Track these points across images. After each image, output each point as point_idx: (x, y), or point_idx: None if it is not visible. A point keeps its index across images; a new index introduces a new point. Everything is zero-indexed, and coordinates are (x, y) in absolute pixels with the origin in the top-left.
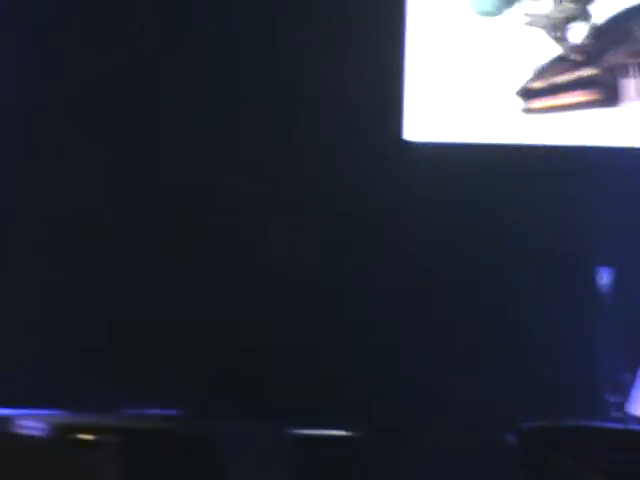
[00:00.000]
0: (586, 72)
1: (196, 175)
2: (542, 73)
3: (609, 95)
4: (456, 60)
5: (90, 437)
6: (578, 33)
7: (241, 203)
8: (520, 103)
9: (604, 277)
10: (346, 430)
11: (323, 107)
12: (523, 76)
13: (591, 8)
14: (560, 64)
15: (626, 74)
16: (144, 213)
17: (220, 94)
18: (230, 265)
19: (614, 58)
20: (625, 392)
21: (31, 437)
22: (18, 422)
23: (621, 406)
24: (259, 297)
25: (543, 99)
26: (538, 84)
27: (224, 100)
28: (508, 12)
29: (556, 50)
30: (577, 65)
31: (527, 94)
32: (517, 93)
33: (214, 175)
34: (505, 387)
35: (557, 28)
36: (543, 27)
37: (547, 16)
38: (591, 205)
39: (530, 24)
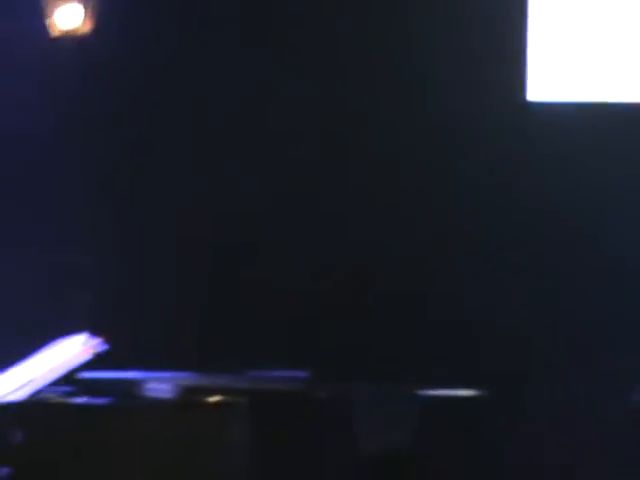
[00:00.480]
0: None
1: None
2: None
3: None
4: (583, 18)
5: (218, 399)
6: None
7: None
8: None
9: None
10: (475, 390)
11: (447, 71)
12: None
13: None
14: None
15: None
16: None
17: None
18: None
19: None
20: None
21: (160, 399)
22: (147, 385)
23: None
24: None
25: None
26: None
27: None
28: None
29: None
30: None
31: None
32: None
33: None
34: (633, 345)
35: None
36: None
37: None
38: None
39: None
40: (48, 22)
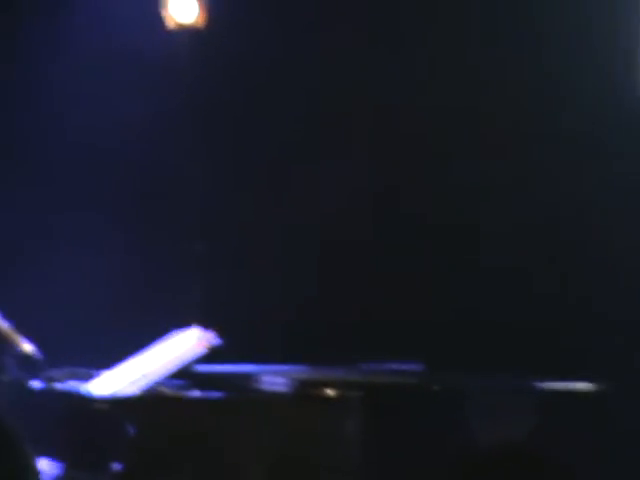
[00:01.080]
0: None
1: None
2: None
3: None
4: None
5: (333, 392)
6: None
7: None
8: None
9: None
10: (592, 383)
11: (562, 65)
12: None
13: None
14: None
15: None
16: None
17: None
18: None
19: None
20: None
21: (274, 393)
22: (262, 378)
23: None
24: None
25: None
26: None
27: None
28: None
29: None
30: None
31: None
32: None
33: None
34: None
35: None
36: None
37: None
38: None
39: None
40: (164, 13)
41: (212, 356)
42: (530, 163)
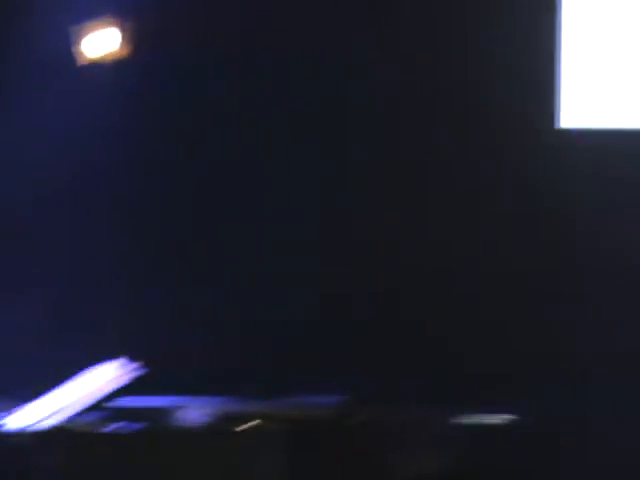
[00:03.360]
0: None
1: None
2: None
3: None
4: (615, 45)
5: (254, 425)
6: None
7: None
8: None
9: None
10: (512, 415)
11: (480, 98)
12: None
13: None
14: None
15: None
16: None
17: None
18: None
19: None
20: None
21: (195, 426)
22: (182, 411)
23: None
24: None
25: None
26: None
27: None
28: None
29: None
30: None
31: None
32: None
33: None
34: None
35: None
36: None
37: None
38: None
39: None
40: (77, 49)
41: (132, 388)
42: (440, 195)
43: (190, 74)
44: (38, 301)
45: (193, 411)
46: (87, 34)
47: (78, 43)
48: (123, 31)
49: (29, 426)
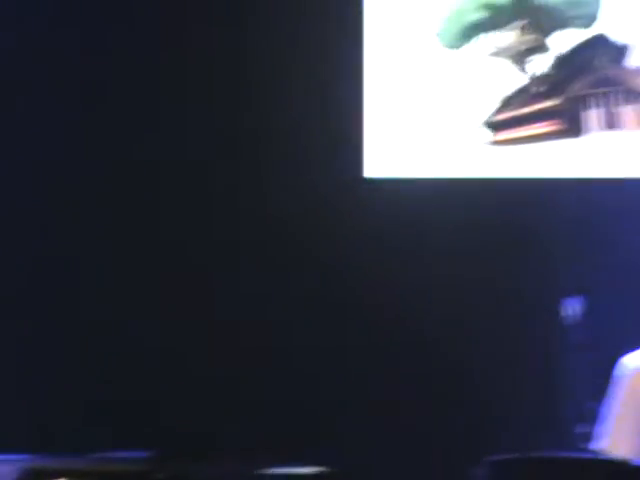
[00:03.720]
0: (550, 103)
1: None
2: (506, 105)
3: (572, 126)
4: (419, 94)
5: None
6: (541, 64)
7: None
8: (486, 135)
9: (571, 308)
10: (321, 466)
11: (281, 145)
12: (488, 108)
13: (553, 39)
14: (524, 95)
15: (588, 105)
16: None
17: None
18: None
19: (576, 89)
20: (591, 423)
21: None
22: None
23: (588, 437)
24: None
25: (508, 131)
26: (503, 116)
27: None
28: (471, 44)
29: (520, 81)
30: (540, 96)
31: (493, 126)
32: (483, 125)
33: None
34: (471, 420)
35: (520, 59)
36: (507, 58)
37: (510, 47)
38: (557, 235)
39: (494, 55)
40: None
41: None
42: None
43: None
44: None
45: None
46: None
47: None
48: None
49: None
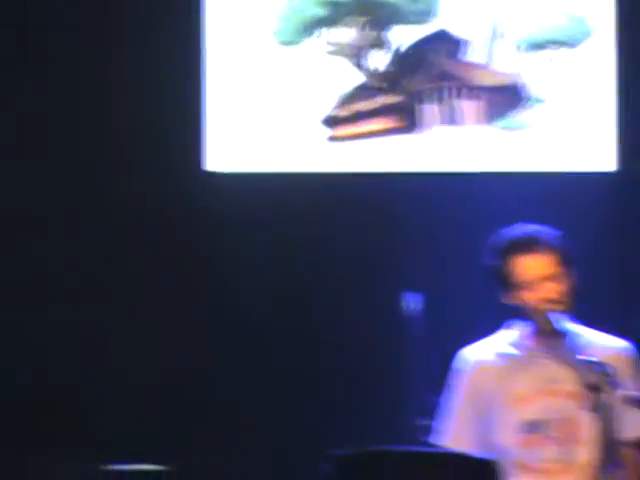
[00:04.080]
0: (389, 99)
1: None
2: (345, 101)
3: (410, 121)
4: (259, 90)
5: None
6: (379, 60)
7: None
8: (325, 131)
9: (411, 303)
10: (162, 464)
11: (122, 139)
12: (327, 105)
13: (391, 35)
14: (363, 91)
15: (427, 100)
16: None
17: None
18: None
19: (414, 84)
20: (431, 416)
21: None
22: None
23: (428, 429)
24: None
25: (347, 127)
26: (342, 112)
27: None
28: (309, 41)
29: (359, 78)
30: (379, 92)
31: (331, 122)
32: (322, 121)
33: None
34: (313, 416)
35: (360, 55)
36: (345, 55)
37: (349, 44)
38: (399, 231)
39: (332, 53)
40: None
41: None
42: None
43: None
44: None
45: None
46: None
47: None
48: None
49: None
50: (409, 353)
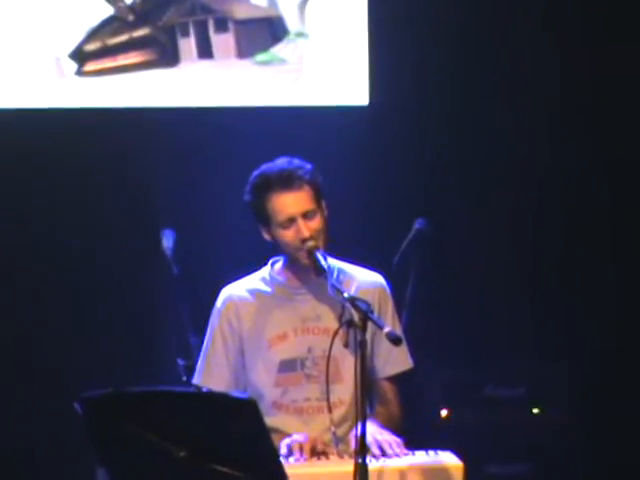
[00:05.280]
0: (140, 32)
1: None
2: (95, 35)
3: (166, 55)
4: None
5: None
6: None
7: None
8: (73, 66)
9: (170, 241)
10: None
11: None
12: (76, 38)
13: None
14: (114, 25)
15: (182, 34)
16: None
17: None
18: None
19: (168, 18)
20: (194, 356)
21: None
22: None
23: (190, 369)
24: None
25: (97, 61)
26: (92, 46)
27: None
28: None
29: (109, 11)
30: (130, 25)
31: (80, 56)
32: (70, 55)
33: None
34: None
35: None
36: None
37: None
38: (153, 166)
39: None
40: None
41: None
42: None
43: None
44: None
45: None
46: None
47: None
48: None
49: None
50: (169, 292)
